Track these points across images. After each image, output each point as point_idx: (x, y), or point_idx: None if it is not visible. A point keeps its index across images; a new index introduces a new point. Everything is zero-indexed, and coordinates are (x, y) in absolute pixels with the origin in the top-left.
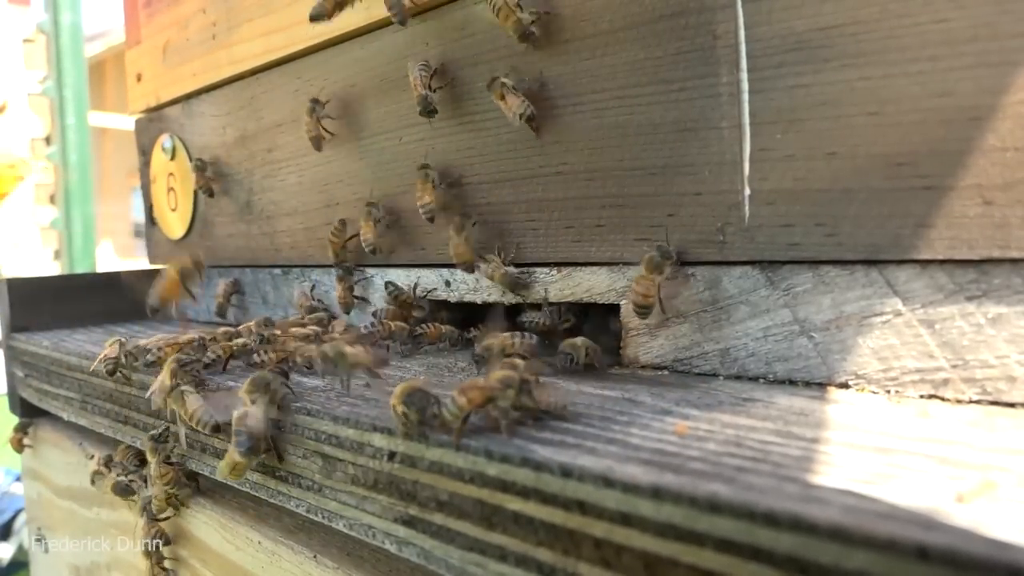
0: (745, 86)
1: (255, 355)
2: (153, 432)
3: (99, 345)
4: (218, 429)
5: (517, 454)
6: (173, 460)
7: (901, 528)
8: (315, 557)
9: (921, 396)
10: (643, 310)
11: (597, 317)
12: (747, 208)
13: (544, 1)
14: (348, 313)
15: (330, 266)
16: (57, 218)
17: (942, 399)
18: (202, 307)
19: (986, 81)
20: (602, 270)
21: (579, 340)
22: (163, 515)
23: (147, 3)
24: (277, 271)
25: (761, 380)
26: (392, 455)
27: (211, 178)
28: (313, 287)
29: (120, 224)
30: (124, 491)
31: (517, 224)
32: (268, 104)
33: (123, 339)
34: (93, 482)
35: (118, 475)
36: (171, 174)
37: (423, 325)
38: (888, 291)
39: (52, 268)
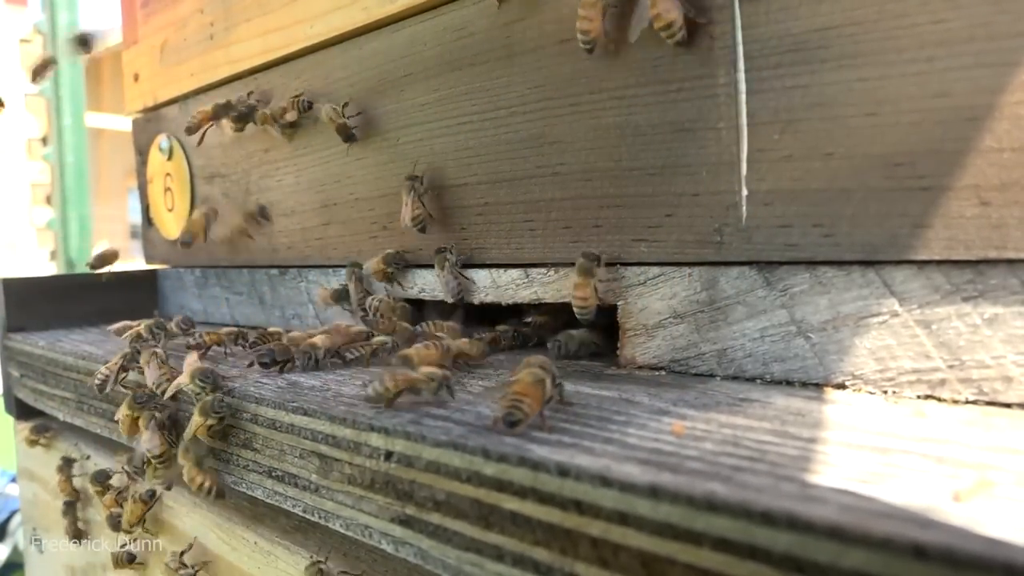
0: (742, 87)
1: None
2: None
3: (95, 345)
4: None
5: (514, 453)
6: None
7: (898, 527)
8: (311, 557)
9: (918, 396)
10: (584, 311)
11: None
12: (744, 208)
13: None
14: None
15: (327, 267)
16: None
17: (939, 399)
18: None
19: (983, 82)
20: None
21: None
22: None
23: (144, 3)
24: (274, 271)
25: (758, 380)
26: (389, 455)
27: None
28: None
29: (116, 225)
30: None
31: (514, 224)
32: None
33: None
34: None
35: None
36: (168, 174)
37: (423, 324)
38: (885, 291)
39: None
